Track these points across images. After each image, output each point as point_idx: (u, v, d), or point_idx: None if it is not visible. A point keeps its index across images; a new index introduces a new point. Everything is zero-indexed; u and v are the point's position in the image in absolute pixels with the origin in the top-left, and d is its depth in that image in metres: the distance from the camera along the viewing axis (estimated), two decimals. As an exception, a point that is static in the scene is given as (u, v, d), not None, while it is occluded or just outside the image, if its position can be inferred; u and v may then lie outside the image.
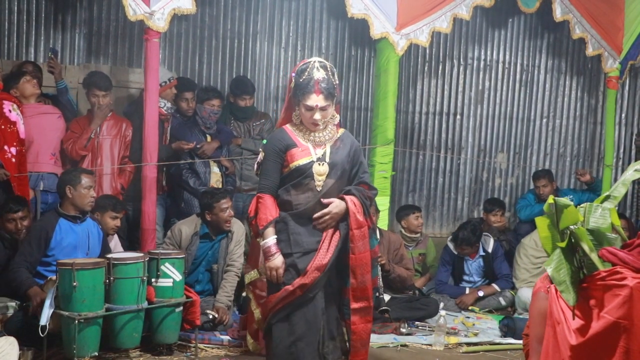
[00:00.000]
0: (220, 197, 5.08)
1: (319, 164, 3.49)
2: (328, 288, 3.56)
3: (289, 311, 3.47)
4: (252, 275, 3.85)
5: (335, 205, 3.50)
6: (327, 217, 3.50)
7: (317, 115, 3.47)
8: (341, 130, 3.66)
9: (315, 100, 3.45)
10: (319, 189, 3.50)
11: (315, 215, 3.50)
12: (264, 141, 3.64)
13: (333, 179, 3.52)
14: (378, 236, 5.50)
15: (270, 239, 3.48)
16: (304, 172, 3.48)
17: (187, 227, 5.12)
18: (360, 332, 3.57)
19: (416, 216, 6.31)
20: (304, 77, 3.48)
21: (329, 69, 3.53)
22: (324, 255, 3.47)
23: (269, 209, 3.49)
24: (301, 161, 3.49)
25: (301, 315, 3.45)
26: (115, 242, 5.13)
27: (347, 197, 3.53)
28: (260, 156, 3.60)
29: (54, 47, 5.96)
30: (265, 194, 3.52)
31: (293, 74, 3.57)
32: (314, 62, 3.52)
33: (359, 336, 3.57)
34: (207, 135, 5.83)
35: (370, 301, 3.59)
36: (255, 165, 3.67)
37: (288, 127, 3.59)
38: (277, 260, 3.46)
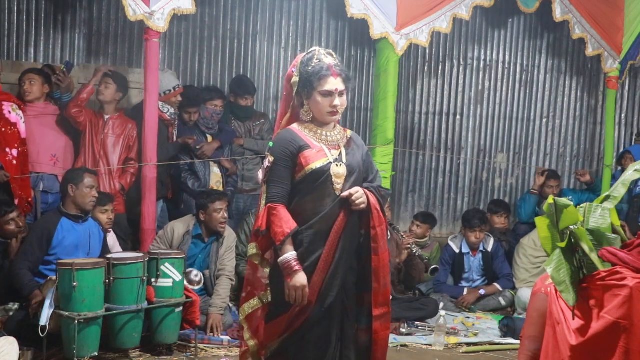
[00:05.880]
0: (216, 199, 5.06)
1: (337, 165, 3.14)
2: (346, 306, 3.20)
3: (304, 333, 3.14)
4: (253, 303, 3.34)
5: (356, 189, 3.14)
6: (358, 192, 3.12)
7: (337, 101, 3.13)
8: (349, 132, 3.34)
9: (334, 83, 3.12)
10: (337, 193, 3.12)
11: (344, 194, 3.12)
12: (271, 144, 3.22)
13: (351, 183, 3.17)
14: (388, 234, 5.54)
15: (290, 254, 3.05)
16: (322, 176, 3.11)
17: (180, 226, 5.11)
18: (382, 341, 3.24)
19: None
20: (313, 64, 3.15)
21: (335, 57, 3.23)
22: (329, 251, 3.12)
23: (285, 221, 3.06)
24: (317, 163, 3.11)
25: (315, 341, 3.13)
26: (113, 241, 5.11)
27: (366, 191, 3.17)
28: (268, 161, 3.17)
29: (70, 61, 5.80)
30: (278, 204, 3.09)
31: (294, 69, 3.21)
32: (319, 50, 3.20)
33: (381, 346, 3.24)
34: (208, 136, 5.82)
35: (390, 306, 3.27)
36: (261, 172, 3.25)
37: (295, 127, 3.20)
38: (301, 278, 3.04)
